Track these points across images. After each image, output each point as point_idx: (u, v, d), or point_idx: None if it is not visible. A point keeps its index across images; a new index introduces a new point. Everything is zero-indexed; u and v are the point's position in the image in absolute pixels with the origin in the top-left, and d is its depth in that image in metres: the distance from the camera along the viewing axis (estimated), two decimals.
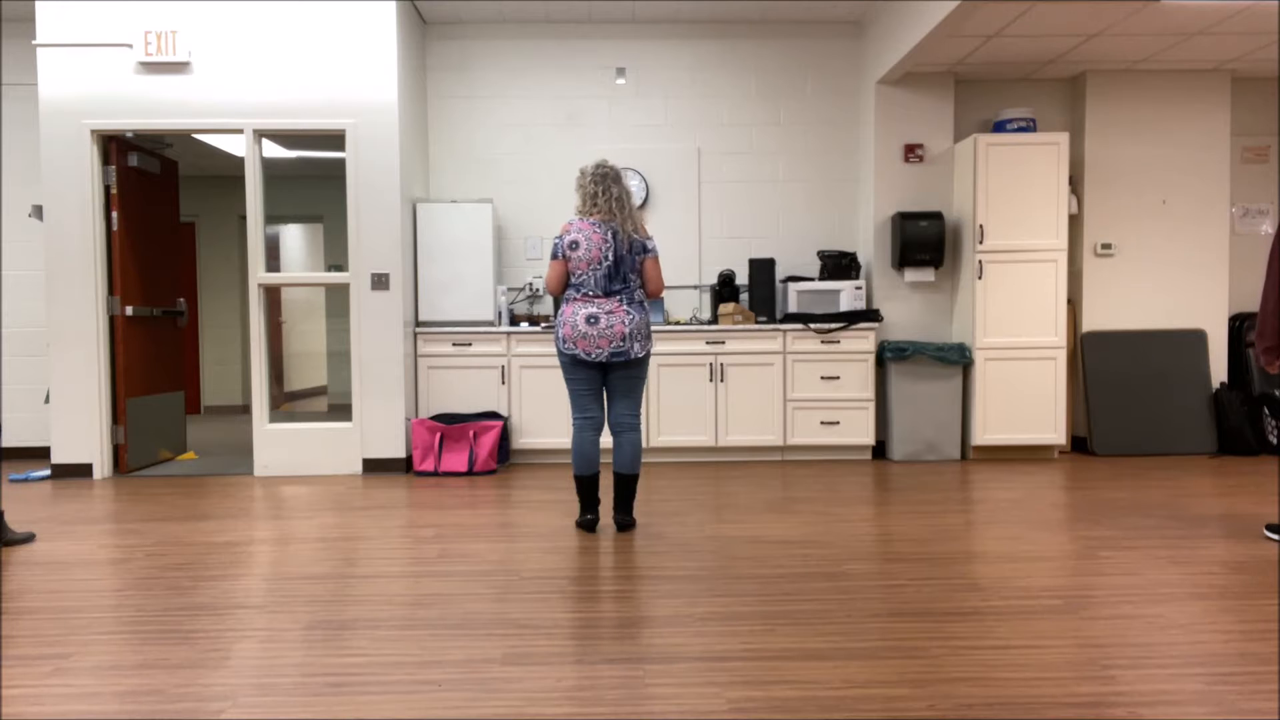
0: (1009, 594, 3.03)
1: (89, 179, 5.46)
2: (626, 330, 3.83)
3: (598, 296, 3.87)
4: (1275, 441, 6.05)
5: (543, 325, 5.86)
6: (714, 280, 6.37)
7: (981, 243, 5.84)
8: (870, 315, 5.90)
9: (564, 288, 3.97)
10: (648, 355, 3.95)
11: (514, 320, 6.06)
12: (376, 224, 5.55)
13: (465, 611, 2.89)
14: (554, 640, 2.62)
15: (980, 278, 5.86)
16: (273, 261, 9.05)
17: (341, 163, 5.61)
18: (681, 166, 6.41)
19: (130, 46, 5.43)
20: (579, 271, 3.89)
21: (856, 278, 6.09)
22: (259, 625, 2.79)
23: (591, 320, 3.84)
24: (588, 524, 4.00)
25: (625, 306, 3.86)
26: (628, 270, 3.88)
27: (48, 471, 5.54)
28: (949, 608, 2.89)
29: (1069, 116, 6.42)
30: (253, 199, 5.53)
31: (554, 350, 5.73)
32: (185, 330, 6.45)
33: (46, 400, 5.73)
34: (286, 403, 9.74)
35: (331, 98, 5.50)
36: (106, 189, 5.59)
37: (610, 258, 3.84)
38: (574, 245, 3.89)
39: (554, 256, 3.95)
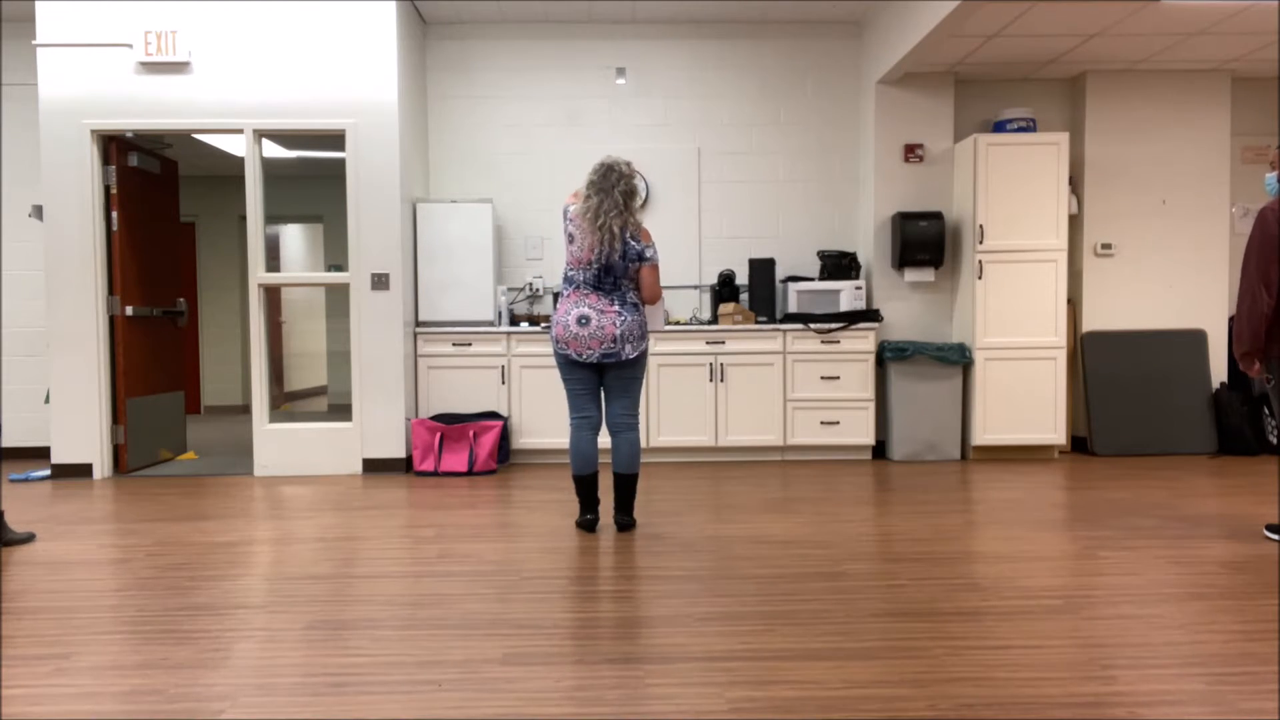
0: (1009, 594, 3.03)
1: (89, 179, 5.46)
2: (618, 332, 3.81)
3: (589, 295, 3.86)
4: (1275, 441, 6.05)
5: (543, 325, 5.85)
6: (714, 280, 6.37)
7: (981, 243, 5.84)
8: (870, 315, 5.90)
9: None
10: (642, 355, 3.92)
11: (514, 320, 6.06)
12: (376, 224, 5.54)
13: (465, 611, 2.89)
14: (554, 640, 2.62)
15: (980, 278, 5.86)
16: (273, 261, 9.05)
17: (341, 163, 5.61)
18: (681, 166, 6.41)
19: (130, 46, 5.42)
20: (572, 266, 3.89)
21: (856, 278, 6.09)
22: (259, 625, 2.79)
23: (583, 321, 3.82)
24: (587, 524, 4.00)
25: (617, 307, 3.84)
26: (619, 275, 3.85)
27: (48, 471, 5.54)
28: (949, 608, 2.89)
29: (1069, 116, 6.42)
30: (253, 199, 5.53)
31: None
32: (185, 330, 6.45)
33: (46, 400, 5.73)
34: (286, 403, 9.74)
35: (331, 98, 5.50)
36: (106, 189, 5.58)
37: (601, 261, 3.83)
38: (571, 238, 3.90)
39: (564, 213, 3.96)
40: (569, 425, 4.02)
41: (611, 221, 3.77)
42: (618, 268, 3.83)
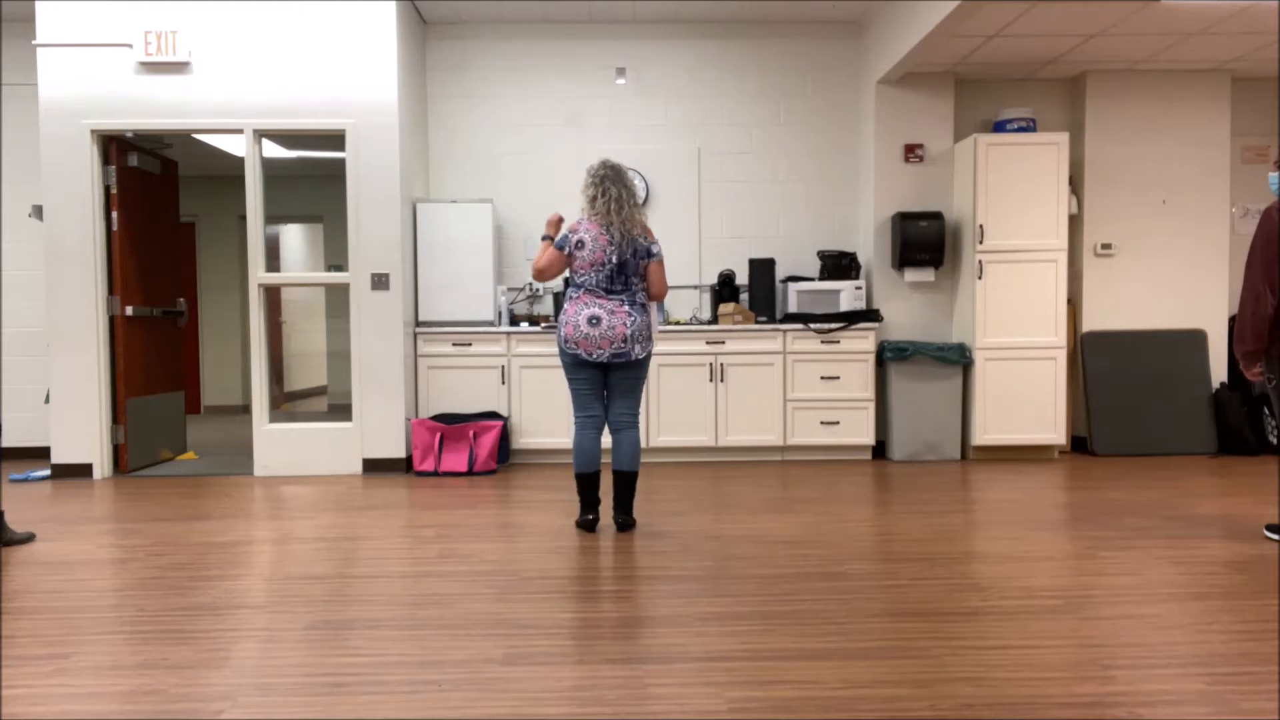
0: (1009, 594, 3.03)
1: (89, 179, 5.46)
2: (628, 332, 3.84)
3: (600, 297, 3.88)
4: (1275, 441, 6.05)
5: (543, 325, 5.86)
6: (714, 280, 6.37)
7: (981, 243, 5.84)
8: (870, 315, 5.90)
9: (551, 277, 3.97)
10: (649, 356, 3.96)
11: (514, 320, 6.06)
12: (376, 224, 5.54)
13: (465, 611, 2.89)
14: (554, 640, 2.62)
15: (980, 278, 5.86)
16: (273, 261, 9.05)
17: (341, 163, 5.61)
18: (681, 166, 6.41)
19: (130, 46, 5.42)
20: (582, 271, 3.91)
21: (856, 278, 6.09)
22: (259, 625, 2.79)
23: (593, 321, 3.84)
24: (588, 524, 4.00)
25: (627, 308, 3.87)
26: (630, 273, 3.89)
27: (48, 471, 5.54)
28: (949, 608, 2.89)
29: (1069, 116, 6.42)
30: (253, 199, 5.53)
31: (554, 350, 5.74)
32: (185, 330, 6.45)
33: (46, 400, 5.73)
34: (286, 403, 9.74)
35: (331, 98, 5.50)
36: (106, 189, 5.58)
37: (614, 260, 3.85)
38: (580, 245, 3.90)
39: (559, 248, 3.94)
40: (573, 424, 4.03)
41: (632, 210, 3.89)
42: (630, 264, 3.87)
